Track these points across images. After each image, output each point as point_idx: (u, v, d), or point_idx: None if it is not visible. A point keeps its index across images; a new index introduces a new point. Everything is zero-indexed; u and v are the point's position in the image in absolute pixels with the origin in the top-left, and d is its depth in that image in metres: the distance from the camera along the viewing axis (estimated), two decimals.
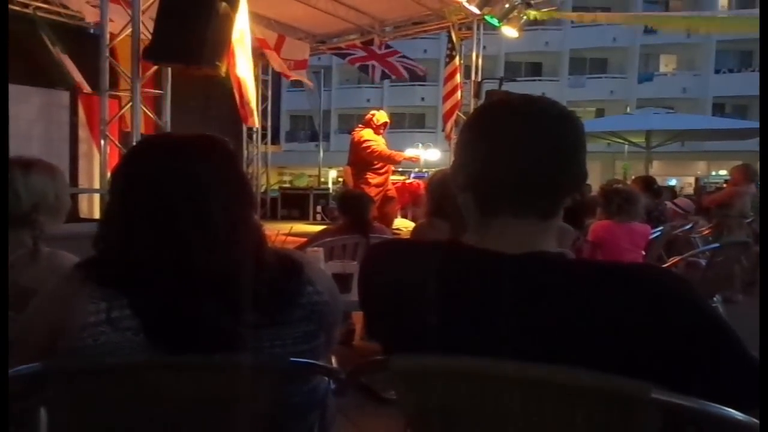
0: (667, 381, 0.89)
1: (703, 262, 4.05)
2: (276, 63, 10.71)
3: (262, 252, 1.28)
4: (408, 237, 4.53)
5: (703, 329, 0.94)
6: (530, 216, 1.05)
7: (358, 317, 3.48)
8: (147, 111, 6.24)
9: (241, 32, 6.31)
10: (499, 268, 1.03)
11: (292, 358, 1.22)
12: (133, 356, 1.15)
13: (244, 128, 10.91)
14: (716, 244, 4.53)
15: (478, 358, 0.96)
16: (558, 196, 1.07)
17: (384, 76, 11.30)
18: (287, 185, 17.81)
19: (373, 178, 7.48)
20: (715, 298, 3.60)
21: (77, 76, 8.00)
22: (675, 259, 3.97)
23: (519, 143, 1.03)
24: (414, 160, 8.40)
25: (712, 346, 0.93)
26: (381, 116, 7.66)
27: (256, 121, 8.31)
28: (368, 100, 34.36)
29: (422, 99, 34.56)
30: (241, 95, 7.56)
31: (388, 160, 7.63)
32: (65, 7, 8.92)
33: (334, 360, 1.49)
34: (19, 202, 1.82)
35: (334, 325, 1.42)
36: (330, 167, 23.52)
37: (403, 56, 11.35)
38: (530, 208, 1.05)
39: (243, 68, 6.93)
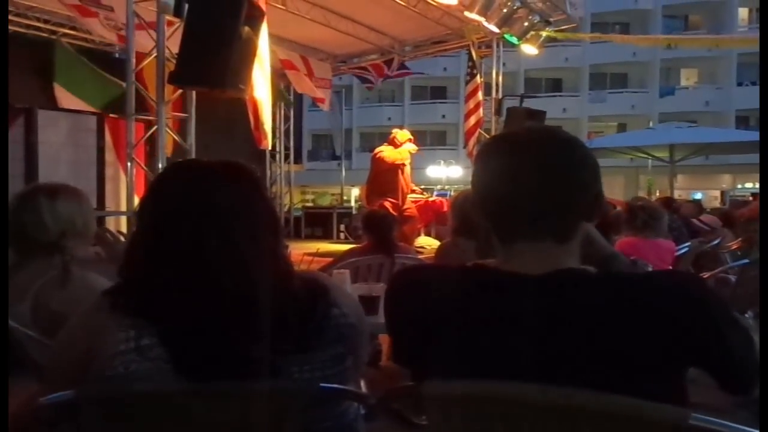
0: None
1: (732, 278, 3.97)
2: (302, 85, 10.78)
3: (288, 278, 1.28)
4: (432, 256, 4.51)
5: (733, 334, 1.00)
6: (547, 239, 1.08)
7: (384, 338, 3.45)
8: (172, 134, 6.33)
9: (260, 53, 6.28)
10: (527, 289, 1.04)
11: (322, 384, 1.21)
12: (163, 384, 1.15)
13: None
14: (746, 260, 4.44)
15: (515, 384, 0.95)
16: (568, 218, 1.09)
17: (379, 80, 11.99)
18: (310, 204, 17.87)
19: (385, 199, 7.59)
20: (747, 314, 3.52)
21: None
22: (704, 275, 3.89)
23: (523, 172, 1.07)
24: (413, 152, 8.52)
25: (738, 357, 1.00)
26: (402, 135, 8.23)
27: (269, 143, 8.35)
28: (389, 119, 34.44)
29: (443, 116, 34.54)
30: (257, 117, 7.49)
31: (396, 158, 8.02)
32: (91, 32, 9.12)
33: (363, 384, 1.47)
34: (47, 231, 1.84)
35: (362, 348, 1.41)
36: (352, 185, 23.58)
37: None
38: (545, 232, 1.08)
39: (261, 90, 6.87)
